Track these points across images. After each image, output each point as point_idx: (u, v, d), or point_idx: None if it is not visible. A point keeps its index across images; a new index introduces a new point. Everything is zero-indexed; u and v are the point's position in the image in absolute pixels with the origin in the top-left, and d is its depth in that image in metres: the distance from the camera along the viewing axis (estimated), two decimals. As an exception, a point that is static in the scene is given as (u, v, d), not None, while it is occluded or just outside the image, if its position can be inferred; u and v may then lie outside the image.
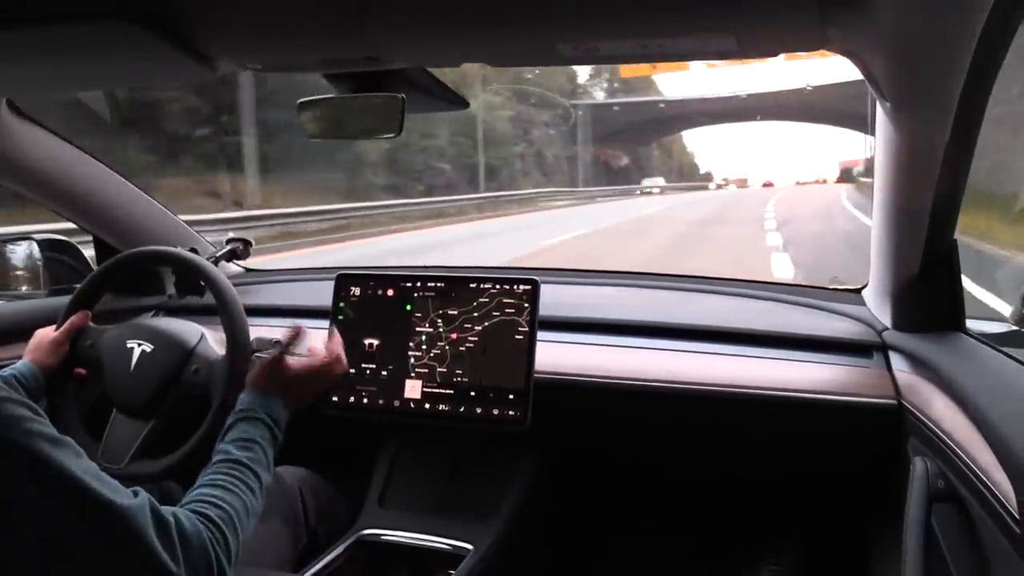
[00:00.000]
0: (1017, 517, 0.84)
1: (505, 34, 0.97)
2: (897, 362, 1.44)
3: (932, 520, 1.07)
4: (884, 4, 0.79)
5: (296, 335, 1.33)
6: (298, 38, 1.03)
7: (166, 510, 0.88)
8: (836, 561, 1.75)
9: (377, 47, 1.00)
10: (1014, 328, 1.39)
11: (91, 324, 1.55)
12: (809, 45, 0.95)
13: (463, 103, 1.36)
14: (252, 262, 2.20)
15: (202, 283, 1.54)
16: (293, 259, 10.23)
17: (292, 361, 1.27)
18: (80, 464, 0.81)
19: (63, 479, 0.79)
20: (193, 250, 1.61)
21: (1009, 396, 1.03)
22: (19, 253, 1.93)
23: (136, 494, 0.85)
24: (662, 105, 53.70)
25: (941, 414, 1.17)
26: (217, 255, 1.90)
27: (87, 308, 1.56)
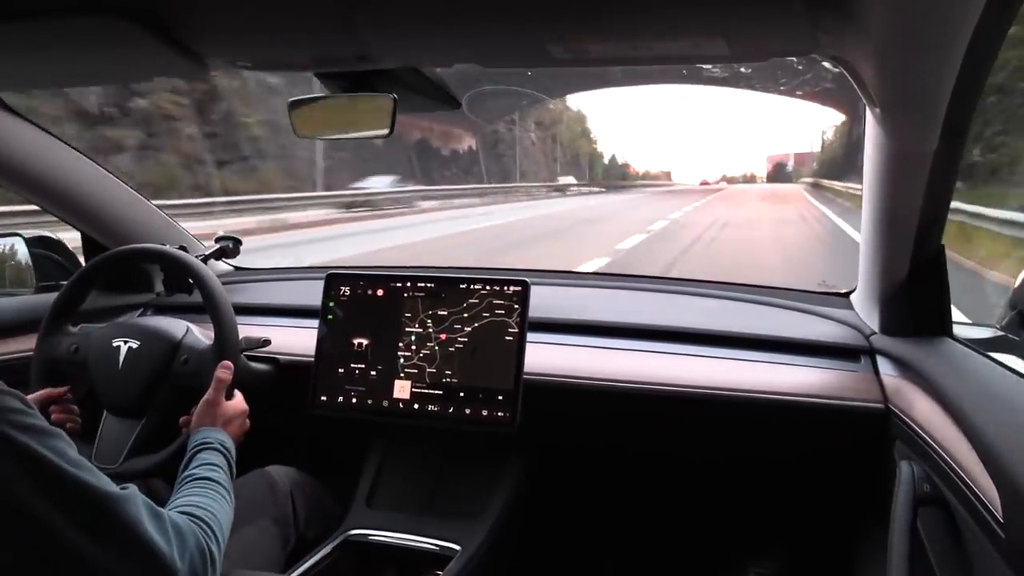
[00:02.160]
0: (1001, 520, 0.84)
1: (495, 35, 0.97)
2: (884, 366, 1.45)
3: (918, 523, 1.07)
4: (874, 9, 0.79)
5: (230, 376, 1.37)
6: (289, 37, 1.03)
7: (157, 506, 0.88)
8: (823, 563, 1.75)
9: (368, 47, 1.00)
10: (1000, 333, 1.40)
11: (72, 328, 1.54)
12: (799, 49, 0.96)
13: (456, 103, 1.36)
14: None
15: (191, 281, 1.54)
16: None
17: (226, 403, 1.33)
18: (71, 456, 0.81)
19: (54, 470, 0.78)
20: (182, 248, 1.61)
21: (994, 401, 1.04)
22: (6, 250, 1.92)
23: (125, 488, 0.86)
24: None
25: (927, 418, 1.17)
26: (206, 253, 1.89)
27: (74, 305, 1.55)
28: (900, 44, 0.86)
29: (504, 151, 40.20)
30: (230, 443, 1.24)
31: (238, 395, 1.39)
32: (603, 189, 44.92)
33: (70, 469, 0.80)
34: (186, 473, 1.12)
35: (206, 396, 1.31)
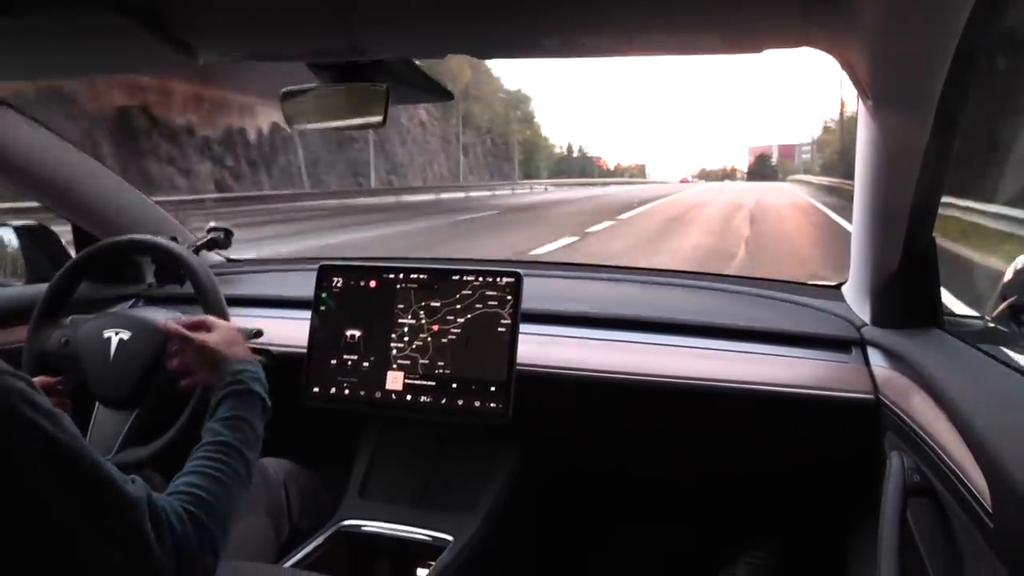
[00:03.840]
0: (990, 511, 0.85)
1: (489, 27, 0.97)
2: (875, 358, 1.46)
3: (908, 514, 1.08)
4: (867, 2, 0.79)
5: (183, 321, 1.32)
6: (282, 27, 1.02)
7: (158, 499, 0.87)
8: (815, 554, 1.77)
9: (361, 38, 0.99)
10: (991, 325, 1.40)
11: (63, 320, 1.53)
12: (792, 42, 0.96)
13: (447, 95, 1.35)
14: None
15: (182, 272, 1.53)
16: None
17: (208, 336, 1.26)
18: (79, 440, 0.80)
19: (66, 451, 0.77)
20: (174, 239, 1.60)
21: (984, 392, 1.04)
22: (-4, 240, 1.91)
23: (132, 480, 0.84)
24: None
25: (918, 410, 1.18)
26: (198, 244, 1.88)
27: (64, 297, 1.54)
28: (892, 37, 0.87)
29: (357, 135, 24.29)
30: (261, 372, 1.20)
31: (217, 322, 1.31)
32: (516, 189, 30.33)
33: (81, 451, 0.79)
34: (210, 425, 1.07)
35: (192, 346, 1.25)
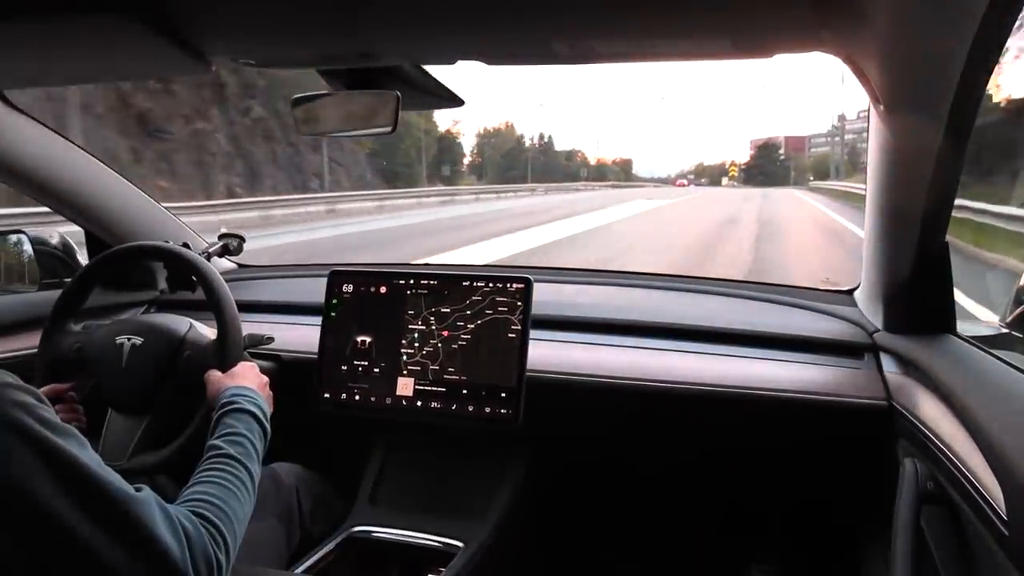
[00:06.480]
0: (1005, 518, 0.84)
1: (499, 32, 0.97)
2: (888, 364, 1.45)
3: (921, 521, 1.07)
4: (878, 7, 0.79)
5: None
6: (293, 34, 1.03)
7: (168, 506, 0.87)
8: (827, 561, 1.75)
9: (371, 44, 1.00)
10: (1004, 331, 1.39)
11: (76, 327, 1.54)
12: (804, 47, 0.96)
13: (458, 100, 1.36)
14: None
15: (194, 278, 1.54)
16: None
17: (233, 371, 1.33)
18: (86, 453, 0.81)
19: (71, 466, 0.78)
20: (185, 245, 1.61)
21: (998, 398, 1.03)
22: (10, 246, 1.93)
23: (140, 489, 0.85)
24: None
25: (931, 416, 1.17)
26: (209, 250, 1.89)
27: (77, 303, 1.55)
28: (904, 41, 0.86)
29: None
30: (265, 404, 1.21)
31: (250, 365, 1.38)
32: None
33: (90, 465, 0.79)
34: (211, 442, 1.09)
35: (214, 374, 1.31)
